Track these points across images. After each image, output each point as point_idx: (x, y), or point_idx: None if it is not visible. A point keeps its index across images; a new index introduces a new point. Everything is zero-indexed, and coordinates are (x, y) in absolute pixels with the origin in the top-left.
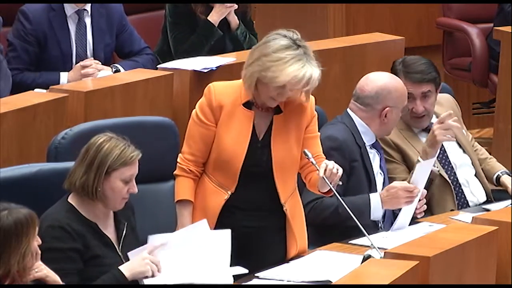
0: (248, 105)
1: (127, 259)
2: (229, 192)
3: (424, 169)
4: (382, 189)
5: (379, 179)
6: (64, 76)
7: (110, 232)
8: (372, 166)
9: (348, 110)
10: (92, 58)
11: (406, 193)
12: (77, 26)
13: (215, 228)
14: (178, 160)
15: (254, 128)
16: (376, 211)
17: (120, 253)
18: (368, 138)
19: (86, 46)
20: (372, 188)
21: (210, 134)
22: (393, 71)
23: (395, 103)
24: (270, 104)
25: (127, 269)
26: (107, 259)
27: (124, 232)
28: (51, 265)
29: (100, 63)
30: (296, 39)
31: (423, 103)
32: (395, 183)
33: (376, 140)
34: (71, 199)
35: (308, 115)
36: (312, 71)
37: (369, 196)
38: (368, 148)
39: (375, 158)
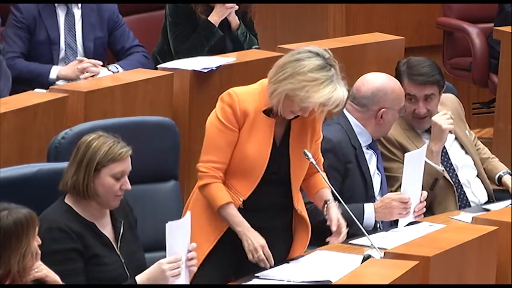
0: (266, 112)
1: (126, 258)
2: (241, 199)
3: (415, 160)
4: (380, 189)
5: (376, 179)
6: (55, 70)
7: (107, 231)
8: (368, 167)
9: (344, 110)
10: (82, 49)
11: (400, 204)
12: (65, 16)
13: (224, 232)
14: (203, 169)
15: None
16: (369, 221)
17: (118, 252)
18: (364, 139)
19: (75, 36)
20: (368, 189)
21: (235, 140)
22: (397, 72)
23: (391, 104)
24: (287, 116)
25: (145, 280)
26: (106, 258)
27: (122, 230)
28: (53, 267)
29: (99, 62)
30: (328, 58)
31: (426, 105)
32: (390, 194)
33: (373, 140)
34: (67, 200)
35: (321, 119)
36: (343, 93)
37: (363, 206)
38: (364, 149)
39: (372, 159)
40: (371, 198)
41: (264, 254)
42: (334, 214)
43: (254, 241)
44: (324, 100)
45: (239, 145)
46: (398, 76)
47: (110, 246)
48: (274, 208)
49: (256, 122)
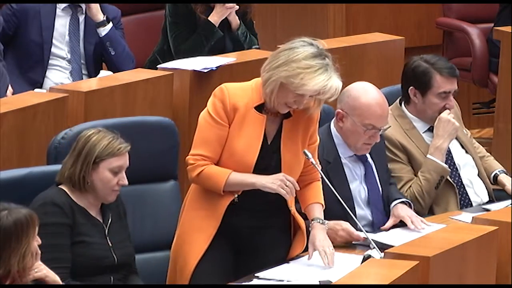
0: (259, 108)
1: (113, 244)
2: (236, 195)
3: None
4: (367, 200)
5: (360, 191)
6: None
7: (97, 218)
8: (347, 179)
9: (332, 121)
10: (83, 51)
11: (345, 235)
12: (70, 20)
13: (219, 228)
14: (191, 161)
15: (264, 132)
16: None
17: (107, 236)
18: (342, 150)
19: (79, 39)
20: (347, 200)
21: (225, 135)
22: (420, 72)
23: (350, 111)
24: (282, 110)
25: None
26: (94, 238)
27: (110, 220)
28: (42, 240)
29: None
30: (322, 49)
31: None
32: (345, 224)
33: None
34: (62, 186)
35: (315, 120)
36: (338, 83)
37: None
38: (348, 159)
39: (357, 170)
40: (352, 209)
41: (288, 181)
42: (316, 236)
43: (274, 180)
44: (319, 87)
45: (229, 140)
46: (422, 76)
47: (101, 228)
48: (270, 207)
49: (246, 118)
